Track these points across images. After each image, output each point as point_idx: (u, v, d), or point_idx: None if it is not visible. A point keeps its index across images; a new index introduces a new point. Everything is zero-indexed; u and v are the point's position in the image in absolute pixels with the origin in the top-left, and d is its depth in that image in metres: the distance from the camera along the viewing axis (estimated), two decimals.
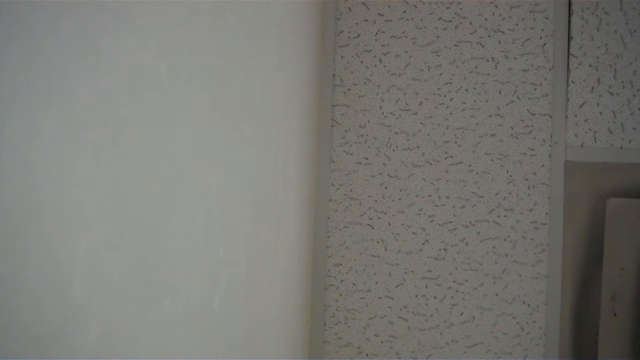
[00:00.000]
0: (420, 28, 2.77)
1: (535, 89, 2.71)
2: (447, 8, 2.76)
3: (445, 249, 2.73)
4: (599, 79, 2.68)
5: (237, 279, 1.93)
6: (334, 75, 2.79)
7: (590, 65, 2.68)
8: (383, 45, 2.78)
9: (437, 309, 2.73)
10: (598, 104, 2.68)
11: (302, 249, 2.59)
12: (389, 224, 2.76)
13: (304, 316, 2.65)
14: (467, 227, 2.73)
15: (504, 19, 2.73)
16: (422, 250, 2.74)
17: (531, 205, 2.70)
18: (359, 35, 2.79)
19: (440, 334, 2.72)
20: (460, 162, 2.74)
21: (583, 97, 2.68)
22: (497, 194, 2.72)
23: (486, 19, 2.74)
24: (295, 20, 2.40)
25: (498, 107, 2.73)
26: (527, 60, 2.72)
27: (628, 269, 2.58)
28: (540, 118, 2.71)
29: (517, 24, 2.73)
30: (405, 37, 2.77)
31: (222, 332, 1.84)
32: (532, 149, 2.70)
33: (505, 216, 2.71)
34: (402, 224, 2.75)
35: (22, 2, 1.01)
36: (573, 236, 2.66)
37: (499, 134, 2.72)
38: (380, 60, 2.78)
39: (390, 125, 2.77)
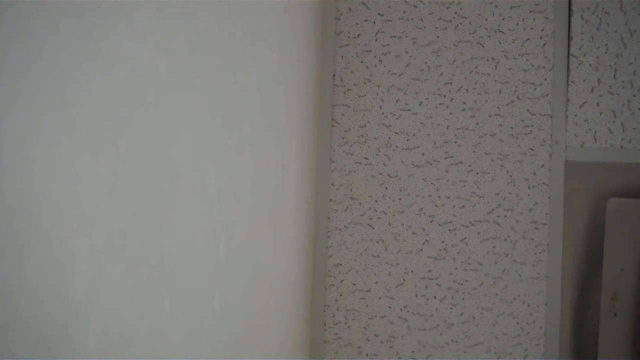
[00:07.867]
0: (420, 28, 2.77)
1: (535, 89, 2.71)
2: (447, 8, 2.76)
3: (445, 249, 2.73)
4: (599, 79, 2.68)
5: (237, 279, 1.93)
6: (334, 75, 2.79)
7: (590, 65, 2.68)
8: (383, 45, 2.78)
9: (437, 309, 2.73)
10: (598, 104, 2.68)
11: (302, 249, 2.59)
12: (389, 224, 2.76)
13: (304, 316, 2.65)
14: (467, 227, 2.73)
15: (504, 19, 2.73)
16: (422, 250, 2.74)
17: (531, 205, 2.70)
18: (359, 35, 2.79)
19: (440, 334, 2.72)
20: (460, 162, 2.73)
21: (583, 97, 2.68)
22: (497, 194, 2.72)
23: (486, 19, 2.74)
24: (295, 20, 2.40)
25: (498, 107, 2.73)
26: (527, 60, 2.72)
27: (628, 269, 2.58)
28: (540, 118, 2.71)
29: (517, 24, 2.73)
30: (405, 37, 2.77)
31: (222, 332, 1.84)
32: (532, 149, 2.70)
33: (505, 216, 2.71)
34: (402, 224, 2.75)
35: (22, 2, 1.01)
36: (573, 236, 2.66)
37: (499, 134, 2.72)
38: (380, 60, 2.78)
39: (390, 125, 2.77)
